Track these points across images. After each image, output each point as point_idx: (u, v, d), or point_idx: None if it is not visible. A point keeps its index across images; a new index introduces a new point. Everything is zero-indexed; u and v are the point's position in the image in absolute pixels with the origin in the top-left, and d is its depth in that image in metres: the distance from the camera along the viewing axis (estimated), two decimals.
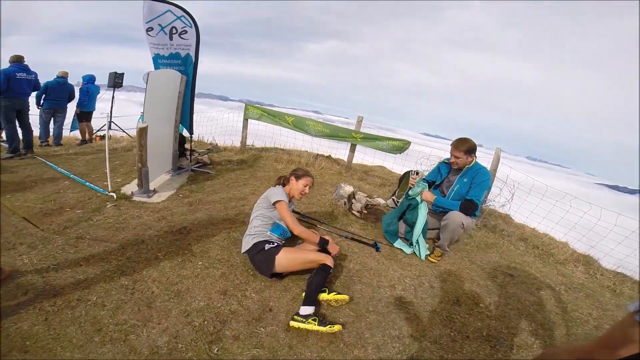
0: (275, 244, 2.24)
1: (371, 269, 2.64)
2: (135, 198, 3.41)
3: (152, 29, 3.78)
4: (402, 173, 4.54)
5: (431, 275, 2.73)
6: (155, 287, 2.10)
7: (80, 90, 6.09)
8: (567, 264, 3.38)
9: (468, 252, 3.28)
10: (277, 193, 2.30)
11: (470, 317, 2.29)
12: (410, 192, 3.02)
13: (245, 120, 5.68)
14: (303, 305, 1.98)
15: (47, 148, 5.38)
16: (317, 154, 6.01)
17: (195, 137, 6.56)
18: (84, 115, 6.18)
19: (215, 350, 1.71)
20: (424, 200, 2.96)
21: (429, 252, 3.00)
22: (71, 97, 5.89)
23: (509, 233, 3.92)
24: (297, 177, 2.43)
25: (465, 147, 2.79)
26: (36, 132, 5.37)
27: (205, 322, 1.87)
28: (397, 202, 4.09)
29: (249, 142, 6.14)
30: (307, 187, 2.44)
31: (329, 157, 6.05)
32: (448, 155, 3.00)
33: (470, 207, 2.77)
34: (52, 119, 5.65)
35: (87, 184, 3.60)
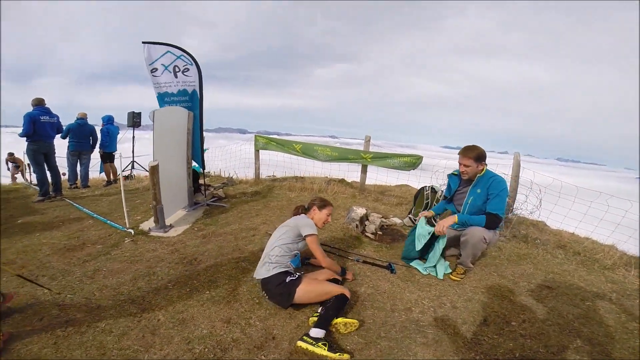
0: (296, 276, 2.21)
1: (385, 292, 2.53)
2: (152, 233, 3.62)
3: (156, 69, 4.21)
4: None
5: (454, 294, 2.56)
6: (162, 315, 2.16)
7: (101, 131, 6.51)
8: (617, 269, 3.05)
9: (497, 266, 3.06)
10: (308, 224, 2.38)
11: (501, 337, 2.08)
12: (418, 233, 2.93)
13: (257, 151, 5.94)
14: (315, 327, 1.94)
15: (76, 190, 5.88)
16: (330, 179, 6.08)
17: (213, 171, 6.98)
18: (106, 156, 6.57)
19: None
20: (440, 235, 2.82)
21: (449, 271, 2.85)
22: (94, 138, 6.18)
23: (543, 241, 3.63)
24: (321, 207, 2.54)
25: (474, 154, 2.70)
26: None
27: (206, 350, 1.87)
28: (414, 220, 3.99)
29: (269, 172, 6.40)
30: (330, 216, 2.57)
31: (342, 180, 6.11)
32: (460, 170, 2.87)
33: (493, 221, 2.64)
34: (78, 161, 6.06)
35: (108, 222, 3.90)
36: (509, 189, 4.32)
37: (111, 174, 6.67)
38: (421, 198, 4.07)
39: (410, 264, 2.97)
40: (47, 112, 4.99)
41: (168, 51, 4.14)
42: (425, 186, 4.12)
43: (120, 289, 2.44)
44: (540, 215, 4.00)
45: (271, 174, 6.79)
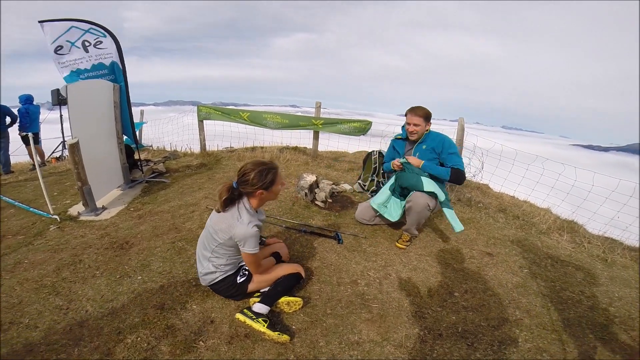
0: (247, 274, 2.19)
1: (331, 265, 2.72)
2: (82, 218, 3.53)
3: (61, 47, 3.99)
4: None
5: (399, 264, 2.80)
6: (90, 306, 2.19)
7: (19, 112, 6.22)
8: (551, 234, 3.44)
9: (441, 232, 3.35)
10: (248, 236, 1.93)
11: (444, 310, 2.32)
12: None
13: (200, 122, 5.90)
14: (260, 302, 2.06)
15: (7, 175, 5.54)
16: (284, 147, 6.16)
17: (157, 146, 6.76)
18: (27, 138, 6.28)
19: None
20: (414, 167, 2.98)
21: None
22: (12, 119, 6.02)
23: (486, 205, 4.00)
24: (268, 185, 1.98)
25: (423, 112, 2.90)
26: None
27: (138, 339, 1.94)
28: (364, 185, 4.20)
29: (226, 145, 6.31)
30: (282, 181, 2.13)
31: (295, 148, 6.21)
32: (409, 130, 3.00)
33: (460, 175, 2.88)
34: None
35: (31, 209, 3.72)
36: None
37: (38, 156, 6.30)
38: (369, 163, 4.26)
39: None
40: None
41: (72, 26, 3.91)
42: (374, 150, 4.30)
43: (43, 281, 2.43)
44: (483, 178, 4.38)
45: (228, 146, 6.71)
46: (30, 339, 1.91)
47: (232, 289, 2.18)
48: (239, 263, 2.20)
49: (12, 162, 6.33)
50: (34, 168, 6.08)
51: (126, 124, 4.30)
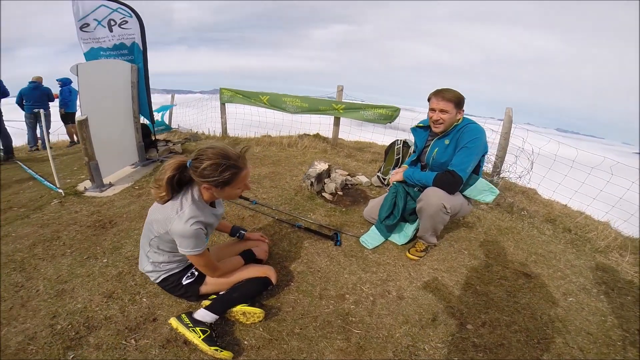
0: (196, 274, 1.89)
1: (319, 271, 2.35)
2: (86, 193, 3.67)
3: (87, 24, 4.18)
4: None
5: (405, 279, 2.32)
6: (42, 286, 2.16)
7: (62, 91, 6.92)
8: (610, 253, 2.80)
9: (470, 242, 2.80)
10: (185, 236, 1.61)
11: (447, 347, 1.83)
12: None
13: (222, 104, 5.95)
14: (205, 308, 1.78)
15: (36, 152, 6.22)
16: (304, 133, 5.88)
17: (184, 128, 7.01)
18: (68, 117, 7.02)
19: (70, 356, 1.66)
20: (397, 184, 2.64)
21: (407, 240, 2.67)
22: (50, 99, 6.70)
23: (531, 213, 3.35)
24: (221, 185, 1.61)
25: (453, 95, 2.27)
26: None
27: (69, 326, 1.83)
28: (384, 179, 3.72)
29: (264, 132, 6.35)
30: (245, 185, 1.74)
31: (316, 135, 5.89)
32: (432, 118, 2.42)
33: (448, 182, 2.30)
34: (37, 123, 6.55)
35: (45, 182, 3.98)
36: (498, 148, 3.95)
37: (74, 135, 7.07)
38: (391, 154, 3.76)
39: (374, 227, 2.79)
40: None
41: (102, 5, 4.09)
42: (397, 140, 3.77)
43: (14, 256, 2.48)
44: (531, 181, 3.63)
45: (265, 133, 6.71)
46: None
47: (178, 290, 1.91)
48: (187, 262, 1.90)
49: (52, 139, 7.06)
50: (70, 145, 6.77)
51: (143, 104, 4.44)
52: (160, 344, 1.75)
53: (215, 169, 1.55)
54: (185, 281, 1.89)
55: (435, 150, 2.43)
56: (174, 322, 1.76)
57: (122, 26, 4.20)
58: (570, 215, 3.56)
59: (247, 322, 1.88)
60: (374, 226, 2.81)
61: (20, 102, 6.47)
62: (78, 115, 3.54)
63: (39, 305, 1.99)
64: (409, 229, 2.73)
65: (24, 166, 4.84)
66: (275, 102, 5.61)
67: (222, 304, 1.85)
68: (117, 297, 2.06)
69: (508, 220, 3.29)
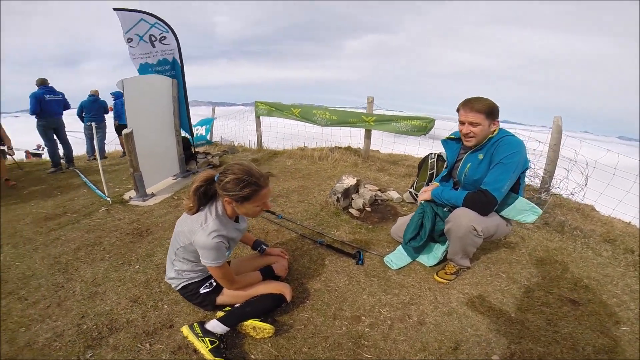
0: (214, 285, 1.98)
1: (336, 290, 2.29)
2: (131, 202, 3.98)
3: (131, 39, 4.49)
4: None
5: (429, 303, 2.18)
6: (79, 287, 2.35)
7: (116, 104, 7.43)
8: None
9: (510, 264, 2.56)
10: (207, 248, 1.69)
11: None
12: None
13: (258, 118, 6.13)
14: (218, 319, 1.84)
15: (94, 161, 6.85)
16: (335, 146, 5.85)
17: (223, 141, 7.36)
18: (121, 129, 7.56)
19: (89, 355, 1.78)
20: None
21: (435, 261, 2.52)
22: (106, 112, 7.28)
23: (585, 232, 2.95)
24: (244, 200, 1.70)
25: (484, 105, 2.09)
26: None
27: (94, 327, 1.97)
28: (416, 195, 3.56)
29: (300, 144, 6.55)
30: (263, 205, 1.81)
31: (347, 148, 5.82)
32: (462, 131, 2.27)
33: (479, 203, 2.13)
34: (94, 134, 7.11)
35: (96, 190, 4.39)
36: (546, 161, 3.60)
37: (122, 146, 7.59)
38: (425, 168, 3.57)
39: (401, 246, 2.67)
40: (52, 90, 5.81)
41: (141, 19, 4.36)
42: (431, 153, 3.58)
43: (60, 258, 2.74)
44: (586, 197, 3.20)
45: (301, 144, 6.86)
46: (12, 309, 2.14)
47: (196, 298, 2.00)
48: (207, 272, 1.98)
49: (106, 150, 7.74)
50: (123, 155, 7.34)
51: (183, 118, 4.73)
52: (171, 350, 1.81)
53: (237, 184, 1.65)
54: (203, 290, 1.96)
55: (468, 165, 2.27)
56: (185, 330, 1.81)
57: (162, 42, 4.48)
58: (633, 235, 3.13)
59: (257, 337, 1.88)
60: (400, 246, 2.70)
61: (80, 114, 7.01)
62: (124, 129, 3.87)
63: (72, 305, 2.17)
64: (438, 250, 2.58)
65: (81, 174, 5.38)
66: (306, 115, 5.69)
67: (234, 317, 1.88)
68: (142, 302, 2.18)
69: (558, 241, 2.97)
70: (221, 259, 1.74)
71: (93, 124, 5.28)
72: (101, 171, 4.13)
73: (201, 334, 1.77)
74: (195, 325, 1.82)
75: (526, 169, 2.24)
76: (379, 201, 3.64)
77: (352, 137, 5.87)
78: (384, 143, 5.74)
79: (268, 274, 2.13)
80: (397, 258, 2.62)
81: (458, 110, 2.23)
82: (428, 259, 2.59)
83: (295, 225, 3.14)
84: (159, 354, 1.79)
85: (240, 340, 1.88)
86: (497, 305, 2.15)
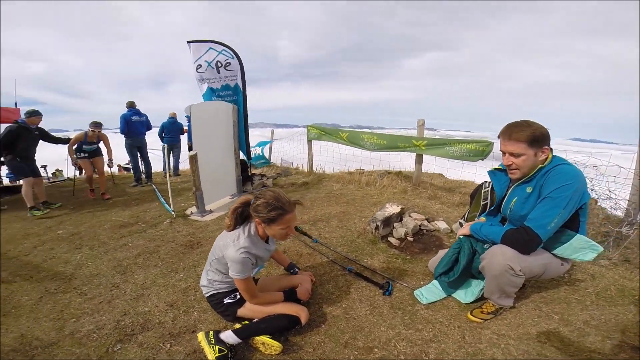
0: (238, 297, 2.15)
1: (354, 319, 2.23)
2: (191, 217, 4.44)
3: (200, 65, 5.11)
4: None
5: (454, 342, 2.00)
6: (130, 289, 2.69)
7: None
8: None
9: (569, 305, 2.23)
10: (235, 262, 1.92)
11: None
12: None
13: (309, 142, 6.30)
14: (232, 331, 1.97)
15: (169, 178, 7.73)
16: (385, 171, 5.67)
17: (280, 163, 7.73)
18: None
19: (117, 348, 2.03)
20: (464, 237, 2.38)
21: (473, 298, 2.33)
22: (182, 133, 8.06)
23: None
24: (269, 221, 1.92)
25: (526, 134, 1.88)
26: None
27: (130, 324, 2.23)
28: None
29: (356, 166, 6.69)
30: (288, 228, 1.99)
31: (398, 173, 5.59)
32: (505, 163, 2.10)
33: (520, 241, 1.93)
34: (171, 153, 7.99)
35: (164, 204, 4.99)
36: (631, 190, 3.19)
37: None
38: (478, 198, 3.27)
39: (435, 280, 2.53)
40: (137, 112, 6.73)
41: (210, 48, 4.97)
42: (485, 182, 3.28)
43: (123, 262, 3.17)
44: None
45: (358, 167, 6.94)
46: (72, 302, 2.52)
47: (219, 307, 2.17)
48: (234, 286, 2.14)
49: (180, 167, 8.57)
50: None
51: (242, 142, 5.16)
52: (186, 352, 1.96)
53: (266, 207, 1.92)
54: (227, 300, 2.14)
55: (514, 200, 2.08)
56: (200, 336, 1.95)
57: (226, 68, 4.95)
58: None
59: (265, 352, 1.94)
60: (435, 279, 2.54)
61: (161, 134, 7.81)
62: (190, 152, 4.39)
63: (119, 303, 2.48)
64: (477, 287, 2.37)
65: (156, 189, 6.16)
66: (354, 140, 5.72)
67: (248, 330, 1.98)
68: (176, 307, 2.40)
69: (637, 280, 2.51)
70: (245, 273, 1.95)
71: (165, 145, 6.08)
72: (169, 188, 4.70)
73: (213, 342, 1.89)
74: (211, 332, 1.95)
75: (586, 202, 1.97)
76: (424, 231, 3.48)
77: (410, 162, 5.69)
78: (450, 166, 5.34)
79: (290, 296, 2.23)
80: (429, 292, 2.47)
81: (499, 137, 2.06)
82: (465, 296, 2.39)
83: (329, 250, 3.17)
84: (175, 355, 1.95)
85: (250, 354, 1.95)
86: (536, 349, 1.88)
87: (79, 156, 5.68)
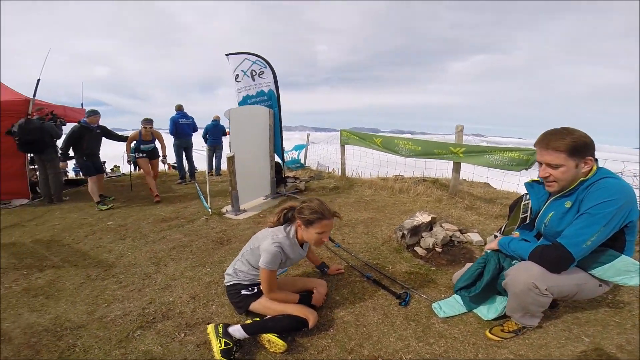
0: (254, 291, 2.25)
1: (364, 327, 2.20)
2: (226, 215, 4.67)
3: (238, 75, 5.47)
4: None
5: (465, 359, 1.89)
6: (160, 279, 2.90)
7: None
8: None
9: (604, 328, 2.04)
10: (269, 253, 2.06)
11: None
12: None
13: (342, 146, 6.28)
14: (241, 325, 2.04)
15: (211, 177, 8.18)
16: (422, 178, 5.43)
17: (314, 166, 7.80)
18: None
19: (137, 334, 2.18)
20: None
21: (495, 315, 2.19)
22: (224, 135, 8.46)
23: None
24: (308, 223, 2.10)
25: (564, 143, 1.71)
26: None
27: (154, 312, 2.40)
28: None
29: (395, 172, 6.63)
30: (324, 234, 2.13)
31: (434, 181, 5.31)
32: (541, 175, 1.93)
33: (549, 258, 1.78)
34: (214, 154, 8.45)
35: (203, 202, 5.29)
36: None
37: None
38: (517, 211, 3.03)
39: (456, 294, 2.41)
40: (184, 115, 7.33)
41: (245, 58, 5.35)
42: (525, 194, 3.02)
43: (158, 254, 3.42)
44: None
45: (397, 173, 6.82)
46: (108, 289, 2.75)
47: (235, 297, 2.27)
48: (256, 281, 2.26)
49: (222, 167, 8.88)
50: None
51: (277, 145, 5.33)
52: (197, 343, 2.06)
53: (309, 211, 2.12)
54: (244, 292, 2.25)
55: (550, 215, 1.90)
56: (210, 327, 2.04)
57: (260, 76, 5.29)
58: None
59: (270, 350, 1.99)
60: (455, 293, 2.42)
61: (205, 136, 8.30)
62: (227, 153, 4.62)
63: (148, 292, 2.68)
64: (501, 303, 2.21)
65: (198, 188, 6.54)
66: (388, 145, 5.61)
67: (256, 327, 2.04)
68: (197, 300, 2.54)
69: None
70: (273, 265, 2.07)
71: (207, 146, 6.43)
72: (207, 187, 4.98)
73: (220, 335, 1.97)
74: (220, 325, 2.03)
75: (632, 221, 1.76)
76: (455, 242, 3.31)
77: (448, 169, 5.45)
78: (491, 176, 5.05)
79: (305, 300, 2.27)
80: (449, 306, 2.36)
81: (536, 146, 1.88)
82: (487, 312, 2.25)
83: (349, 255, 3.15)
84: (186, 345, 2.06)
85: (255, 349, 2.01)
86: None
87: (138, 156, 5.88)
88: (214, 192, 6.16)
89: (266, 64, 5.23)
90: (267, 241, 2.11)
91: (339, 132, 6.40)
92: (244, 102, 5.61)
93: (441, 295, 2.52)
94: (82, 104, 7.50)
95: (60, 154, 5.74)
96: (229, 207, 4.89)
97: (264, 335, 2.01)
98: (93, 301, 2.59)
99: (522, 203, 3.16)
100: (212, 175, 8.60)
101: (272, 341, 1.98)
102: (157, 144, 6.08)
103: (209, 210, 4.78)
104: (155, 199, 5.63)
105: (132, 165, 6.54)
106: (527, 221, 2.83)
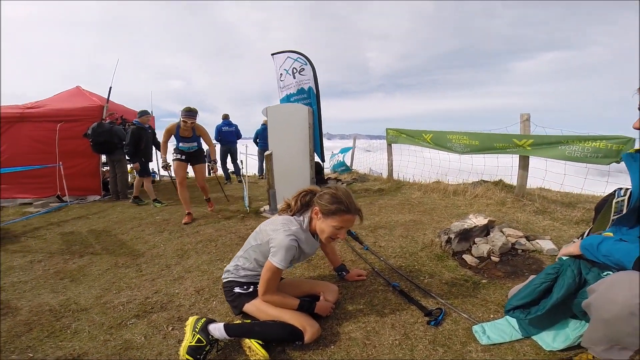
0: (249, 290, 1.99)
1: (374, 347, 1.74)
2: (263, 214, 4.54)
3: (282, 74, 5.38)
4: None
5: None
6: (176, 270, 2.80)
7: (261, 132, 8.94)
8: None
9: None
10: (280, 247, 1.75)
11: None
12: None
13: (389, 145, 5.80)
14: (224, 324, 1.78)
15: (262, 180, 8.28)
16: (482, 180, 4.57)
17: (362, 170, 7.37)
18: None
19: (130, 322, 2.06)
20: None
21: (564, 345, 1.59)
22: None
23: None
24: (328, 213, 1.79)
25: None
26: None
27: (155, 302, 2.28)
28: None
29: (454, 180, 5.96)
30: (342, 230, 1.81)
31: (497, 182, 4.40)
32: None
33: None
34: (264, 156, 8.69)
35: (245, 202, 5.23)
36: None
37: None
38: (607, 211, 2.21)
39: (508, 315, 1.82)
40: (229, 123, 8.04)
41: (288, 57, 5.28)
42: (618, 189, 2.20)
43: (185, 246, 3.37)
44: None
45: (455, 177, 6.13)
46: (127, 276, 2.75)
47: (229, 295, 2.02)
48: (255, 280, 1.98)
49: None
50: None
51: (317, 144, 5.08)
52: (180, 338, 1.84)
53: (330, 200, 1.80)
54: (237, 289, 1.99)
55: None
56: (190, 320, 1.82)
57: (301, 73, 5.16)
58: None
59: (250, 358, 1.68)
60: (506, 314, 1.83)
61: (255, 140, 8.55)
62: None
63: (160, 282, 2.58)
64: (575, 329, 1.60)
65: (245, 188, 6.57)
66: (439, 141, 4.98)
67: (239, 329, 1.76)
68: (201, 294, 2.36)
69: None
70: (285, 262, 1.75)
71: (257, 149, 6.48)
72: (245, 187, 4.91)
73: (197, 330, 1.73)
74: (203, 320, 1.79)
75: None
76: (518, 251, 2.65)
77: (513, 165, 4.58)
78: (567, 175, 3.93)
79: (308, 306, 1.90)
80: (495, 329, 1.78)
81: None
82: (553, 340, 1.64)
83: (377, 260, 2.69)
84: (169, 339, 1.88)
85: (236, 354, 1.73)
86: None
87: (174, 157, 4.38)
88: (259, 192, 6.15)
89: (307, 61, 5.10)
90: (280, 233, 1.79)
91: (385, 131, 5.89)
92: (287, 100, 5.52)
93: (490, 316, 1.94)
94: (151, 111, 8.31)
95: (128, 154, 6.11)
96: (267, 207, 4.74)
97: (247, 340, 1.70)
98: (108, 287, 2.58)
99: (615, 200, 2.37)
100: (262, 178, 8.70)
101: (253, 349, 1.66)
102: (203, 145, 4.65)
103: (247, 208, 4.69)
104: (209, 207, 4.78)
105: (169, 171, 4.54)
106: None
